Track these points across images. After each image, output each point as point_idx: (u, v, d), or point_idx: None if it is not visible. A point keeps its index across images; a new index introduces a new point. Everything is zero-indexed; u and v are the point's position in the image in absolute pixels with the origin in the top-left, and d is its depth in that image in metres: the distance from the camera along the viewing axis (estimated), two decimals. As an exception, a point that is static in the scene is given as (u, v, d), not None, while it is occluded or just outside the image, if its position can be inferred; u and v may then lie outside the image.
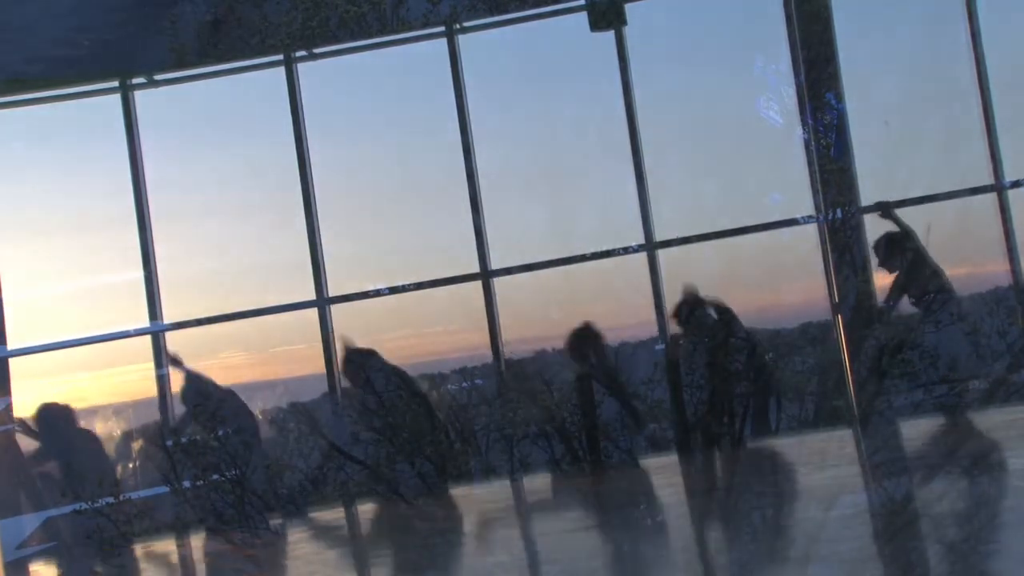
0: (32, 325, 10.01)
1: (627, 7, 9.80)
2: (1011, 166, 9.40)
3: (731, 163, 10.01)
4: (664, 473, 9.16)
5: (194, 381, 9.59)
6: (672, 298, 9.65)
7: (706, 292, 9.62)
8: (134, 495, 9.31)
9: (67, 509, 9.14)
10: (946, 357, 9.17)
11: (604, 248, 9.83)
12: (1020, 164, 9.39)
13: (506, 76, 10.41)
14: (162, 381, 9.89)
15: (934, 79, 9.62)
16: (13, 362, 9.78)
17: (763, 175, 9.99)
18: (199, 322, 9.94)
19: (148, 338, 9.95)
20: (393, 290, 9.96)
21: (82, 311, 10.15)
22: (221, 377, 9.79)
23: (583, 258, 9.83)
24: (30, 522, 9.35)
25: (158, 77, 10.25)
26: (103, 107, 10.19)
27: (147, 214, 10.05)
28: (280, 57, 10.07)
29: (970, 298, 9.47)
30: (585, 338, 9.50)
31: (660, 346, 9.71)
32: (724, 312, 9.41)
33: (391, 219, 10.34)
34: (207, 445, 9.25)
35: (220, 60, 10.12)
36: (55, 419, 9.48)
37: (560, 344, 9.72)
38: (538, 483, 9.24)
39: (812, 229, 9.62)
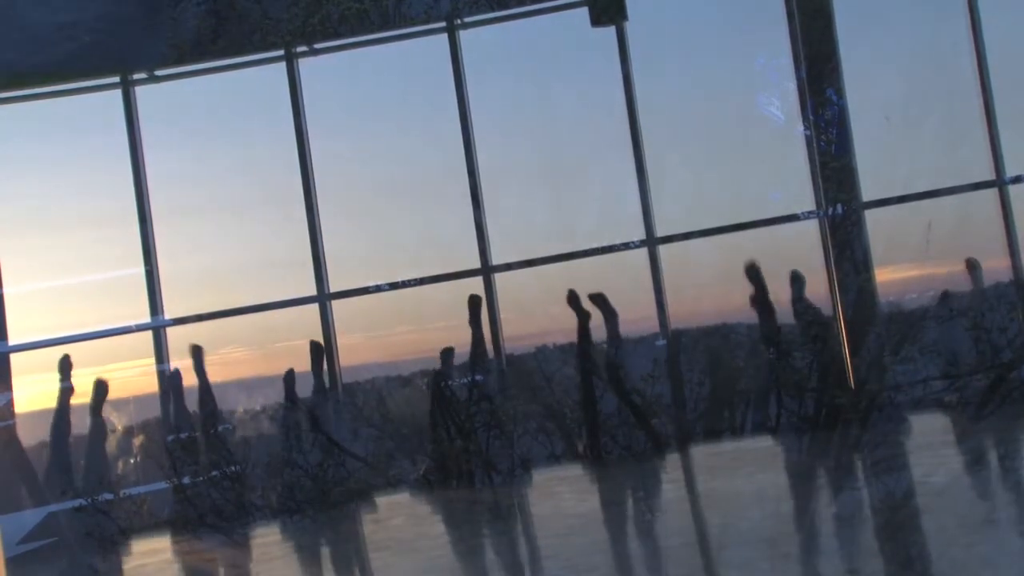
0: (33, 321, 10.00)
1: (628, 3, 9.79)
2: (1012, 161, 9.39)
3: (732, 159, 10.00)
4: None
5: None
6: (673, 294, 9.66)
7: (706, 288, 9.66)
8: (134, 491, 9.34)
9: (68, 505, 9.15)
10: (947, 353, 9.19)
11: (605, 243, 9.83)
12: (1021, 159, 9.38)
13: (507, 72, 10.40)
14: (163, 377, 9.89)
15: (935, 75, 9.59)
16: (14, 357, 9.78)
17: (764, 171, 9.98)
18: (200, 317, 9.93)
19: (149, 334, 9.94)
20: (393, 285, 9.95)
21: (83, 306, 10.15)
22: (222, 373, 9.80)
23: (584, 253, 9.83)
24: (31, 518, 9.35)
25: (159, 73, 10.24)
26: (104, 103, 10.19)
27: (148, 210, 10.05)
28: (281, 53, 10.06)
29: (970, 293, 9.47)
30: None
31: (661, 341, 9.71)
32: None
33: (392, 214, 10.32)
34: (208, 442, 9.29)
35: (221, 56, 10.11)
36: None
37: (562, 339, 9.75)
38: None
39: (813, 225, 9.61)
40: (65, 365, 9.58)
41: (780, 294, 9.56)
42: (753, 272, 9.45)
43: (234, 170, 10.35)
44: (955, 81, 9.58)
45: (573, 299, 9.61)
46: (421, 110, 10.36)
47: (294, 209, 10.00)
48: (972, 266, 9.42)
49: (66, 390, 9.59)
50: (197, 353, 9.72)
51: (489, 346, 9.74)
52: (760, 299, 9.46)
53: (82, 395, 9.72)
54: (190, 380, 9.78)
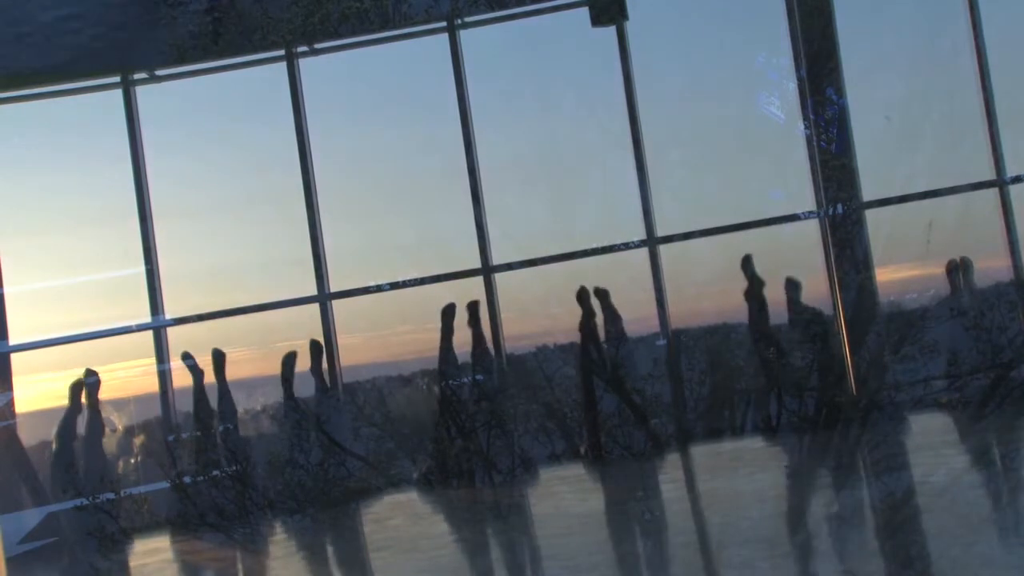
0: (33, 321, 10.01)
1: (628, 2, 9.79)
2: (1012, 161, 9.40)
3: (732, 158, 10.00)
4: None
5: None
6: (673, 293, 9.66)
7: (706, 288, 9.66)
8: (135, 490, 9.35)
9: (69, 504, 9.16)
10: (947, 352, 9.20)
11: (605, 243, 9.84)
12: (1021, 159, 9.38)
13: (507, 71, 10.41)
14: (164, 377, 9.89)
15: (935, 74, 9.60)
16: (15, 357, 9.78)
17: (764, 170, 9.99)
18: (200, 317, 9.94)
19: (150, 333, 9.95)
20: (394, 285, 9.95)
21: (84, 306, 10.15)
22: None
23: (584, 253, 9.83)
24: (32, 518, 9.36)
25: (159, 72, 10.24)
26: (104, 102, 10.19)
27: (148, 209, 10.06)
28: (281, 52, 10.06)
29: (971, 293, 9.47)
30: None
31: (661, 341, 9.71)
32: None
33: (392, 214, 10.33)
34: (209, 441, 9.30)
35: (221, 55, 10.11)
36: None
37: (562, 339, 9.76)
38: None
39: (813, 225, 9.62)
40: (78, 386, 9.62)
41: (778, 295, 9.57)
42: (747, 266, 9.47)
43: (235, 170, 10.35)
44: (955, 81, 9.58)
45: (583, 295, 9.61)
46: (421, 110, 10.37)
47: (294, 209, 10.00)
48: (968, 265, 9.42)
49: (74, 388, 9.61)
50: (219, 357, 9.72)
51: (489, 346, 9.74)
52: (755, 294, 9.47)
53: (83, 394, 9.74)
54: (188, 379, 9.79)
